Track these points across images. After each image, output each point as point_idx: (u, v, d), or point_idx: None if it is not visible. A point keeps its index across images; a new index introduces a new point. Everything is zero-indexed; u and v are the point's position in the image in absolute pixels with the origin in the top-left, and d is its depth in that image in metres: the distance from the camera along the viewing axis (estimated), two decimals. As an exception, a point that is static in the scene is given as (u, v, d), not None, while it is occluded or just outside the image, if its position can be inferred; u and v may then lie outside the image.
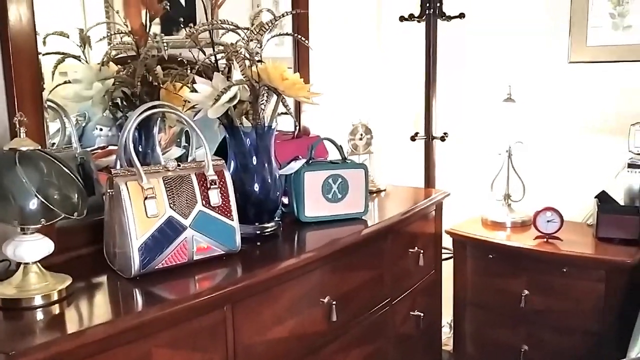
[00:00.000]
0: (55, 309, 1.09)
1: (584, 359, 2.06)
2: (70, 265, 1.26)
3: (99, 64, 1.49)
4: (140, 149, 1.56)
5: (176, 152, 1.77)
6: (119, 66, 1.54)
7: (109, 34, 1.54)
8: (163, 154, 1.64)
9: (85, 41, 1.49)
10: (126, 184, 1.22)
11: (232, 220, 1.36)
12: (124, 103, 1.55)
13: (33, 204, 1.09)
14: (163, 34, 1.57)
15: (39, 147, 1.15)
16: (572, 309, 2.07)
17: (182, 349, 1.14)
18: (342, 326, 1.56)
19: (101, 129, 1.59)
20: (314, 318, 1.47)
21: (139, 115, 1.30)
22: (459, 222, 2.39)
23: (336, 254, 1.52)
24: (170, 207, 1.27)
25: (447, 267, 2.28)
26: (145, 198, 1.23)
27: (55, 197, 1.11)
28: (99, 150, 1.58)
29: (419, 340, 1.99)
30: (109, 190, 1.26)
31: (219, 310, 1.20)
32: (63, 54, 1.43)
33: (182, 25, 1.63)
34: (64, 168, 1.16)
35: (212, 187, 1.33)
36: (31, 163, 1.11)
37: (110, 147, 1.58)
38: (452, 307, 2.40)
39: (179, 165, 1.33)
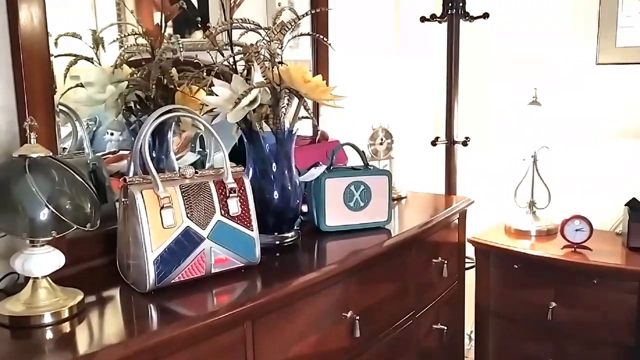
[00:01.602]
0: (66, 328, 1.02)
1: (615, 374, 1.99)
2: (82, 278, 1.19)
3: (112, 66, 1.44)
4: (154, 155, 1.49)
5: (190, 157, 1.70)
6: (133, 69, 1.48)
7: (122, 36, 1.48)
8: (177, 160, 1.58)
9: (98, 43, 1.43)
10: (141, 193, 1.15)
11: (252, 230, 1.29)
12: (138, 107, 1.49)
13: (43, 215, 1.02)
14: (178, 36, 1.51)
15: (50, 154, 1.08)
16: (603, 321, 2.00)
17: (200, 369, 1.07)
18: (366, 341, 1.48)
19: (112, 134, 1.53)
20: (337, 334, 1.39)
21: (155, 120, 1.23)
22: (481, 230, 2.31)
23: (359, 266, 1.45)
24: (188, 217, 1.20)
25: (468, 277, 2.20)
26: (162, 207, 1.16)
27: (67, 207, 1.05)
28: (110, 155, 1.52)
29: (442, 355, 1.91)
30: (123, 199, 1.19)
31: (238, 328, 1.13)
32: (75, 56, 1.37)
33: (199, 25, 1.57)
34: (76, 176, 1.10)
35: (231, 195, 1.26)
36: (42, 171, 1.04)
37: (122, 152, 1.52)
38: (474, 318, 2.32)
39: (196, 172, 1.26)
